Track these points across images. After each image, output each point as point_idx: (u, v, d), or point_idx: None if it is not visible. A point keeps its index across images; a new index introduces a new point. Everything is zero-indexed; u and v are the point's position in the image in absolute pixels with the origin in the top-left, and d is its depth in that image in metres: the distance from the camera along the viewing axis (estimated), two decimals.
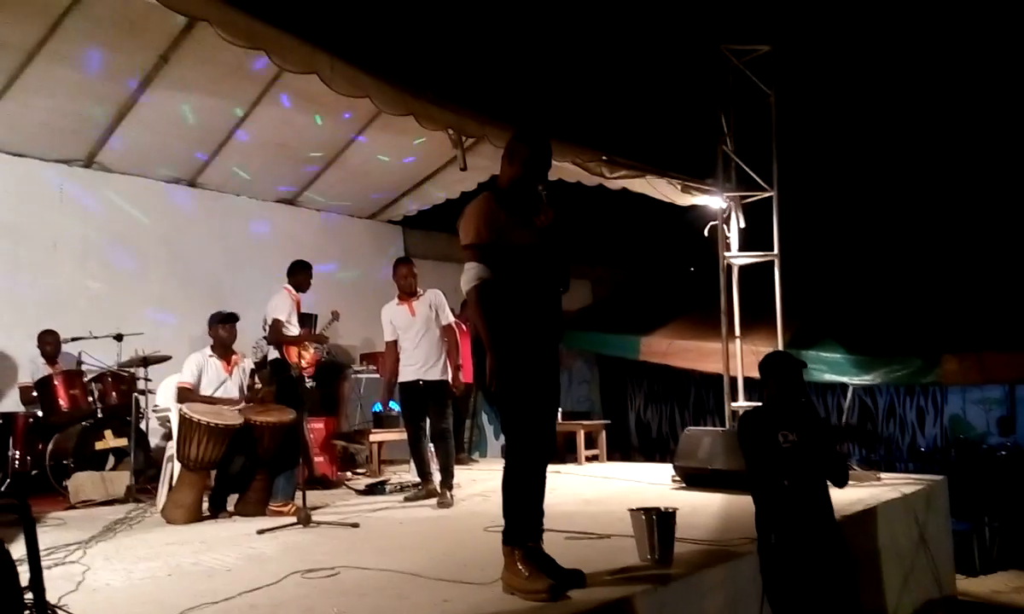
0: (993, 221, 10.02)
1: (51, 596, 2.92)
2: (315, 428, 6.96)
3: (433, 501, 5.65)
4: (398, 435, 7.98)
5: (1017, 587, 7.07)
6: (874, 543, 5.07)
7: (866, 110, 11.15)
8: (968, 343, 8.17)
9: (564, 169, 6.68)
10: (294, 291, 6.64)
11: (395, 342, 5.95)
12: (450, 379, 5.88)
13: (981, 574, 7.50)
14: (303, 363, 6.28)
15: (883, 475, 6.44)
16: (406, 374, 5.86)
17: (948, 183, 10.81)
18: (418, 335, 5.85)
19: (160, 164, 7.80)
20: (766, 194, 7.34)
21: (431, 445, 5.95)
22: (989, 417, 11.23)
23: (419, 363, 5.80)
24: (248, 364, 5.89)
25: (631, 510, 3.73)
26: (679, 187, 7.43)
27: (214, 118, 7.13)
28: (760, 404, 4.22)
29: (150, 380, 6.42)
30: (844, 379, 8.58)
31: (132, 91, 6.52)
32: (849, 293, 9.68)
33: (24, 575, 2.06)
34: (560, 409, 9.21)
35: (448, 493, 5.62)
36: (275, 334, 6.38)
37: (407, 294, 5.95)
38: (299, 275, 6.74)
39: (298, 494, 5.21)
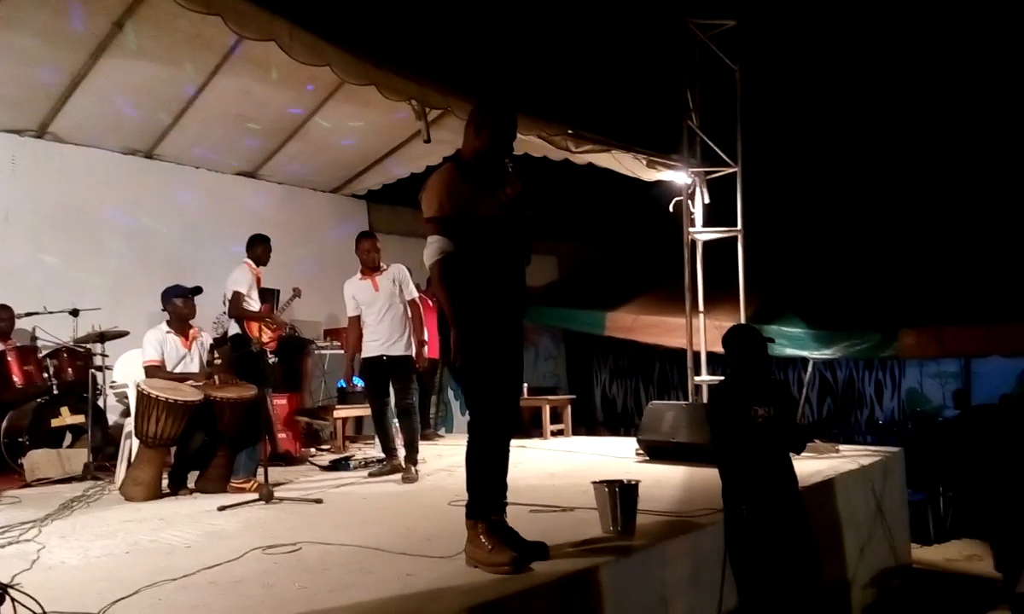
0: (952, 197, 10.19)
1: (4, 575, 2.87)
2: (278, 404, 6.89)
3: (397, 476, 5.64)
4: (362, 411, 7.96)
5: (969, 555, 7.27)
6: (833, 513, 5.17)
7: (830, 86, 11.24)
8: (926, 317, 8.33)
9: (530, 143, 6.64)
10: (254, 265, 6.58)
11: (358, 317, 5.91)
12: (414, 354, 5.84)
13: (936, 543, 7.71)
14: (264, 338, 6.21)
15: (842, 447, 6.56)
16: (369, 349, 5.81)
17: (909, 160, 10.96)
18: (381, 310, 5.80)
19: (116, 135, 7.59)
20: (730, 170, 7.38)
21: (395, 421, 5.92)
22: (945, 390, 11.52)
23: (383, 338, 5.76)
24: (207, 339, 5.79)
25: (594, 483, 3.75)
26: (644, 162, 7.43)
27: (171, 87, 6.94)
28: (725, 378, 4.25)
29: (107, 356, 6.29)
30: (805, 353, 8.72)
31: (86, 59, 6.31)
32: (811, 269, 9.81)
33: None
34: (525, 384, 9.32)
35: (413, 468, 5.60)
36: (235, 308, 6.32)
37: (370, 269, 5.90)
38: (258, 248, 6.67)
39: (260, 470, 5.15)
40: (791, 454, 3.90)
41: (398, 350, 5.76)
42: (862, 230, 10.36)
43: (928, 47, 10.67)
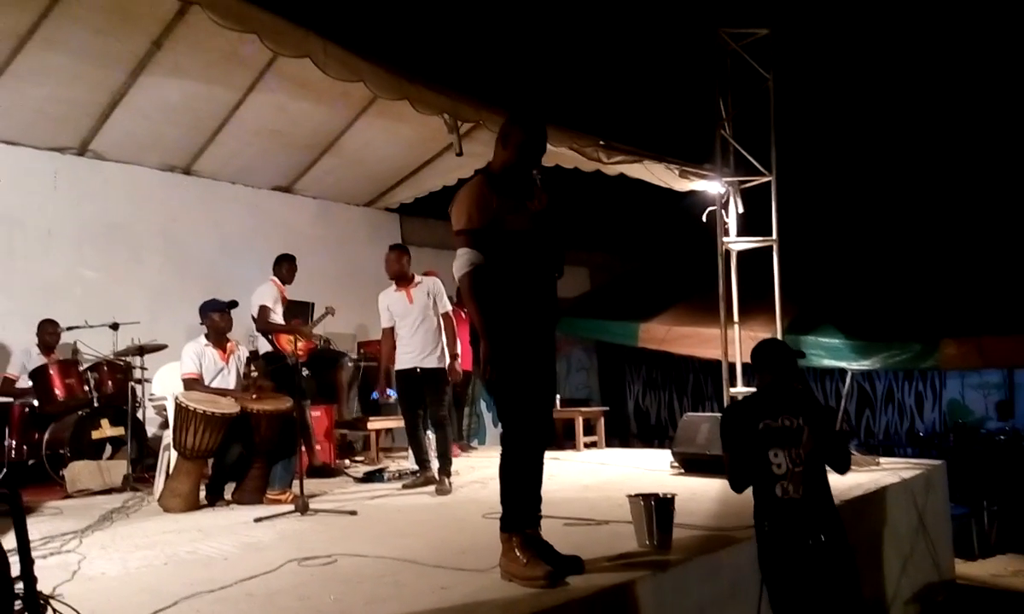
0: (993, 206, 9.97)
1: (46, 585, 2.91)
2: (313, 416, 6.94)
3: (431, 488, 5.63)
4: (396, 423, 7.98)
5: (1016, 570, 7.08)
6: (874, 528, 5.07)
7: (865, 94, 11.09)
8: (967, 327, 8.13)
9: (561, 154, 6.63)
10: (279, 283, 6.67)
11: (392, 329, 5.93)
12: (447, 367, 5.85)
13: (980, 558, 7.52)
14: (297, 348, 6.25)
15: (882, 460, 6.43)
16: (403, 362, 5.83)
17: (948, 168, 10.76)
18: (415, 322, 5.82)
19: (154, 152, 7.75)
20: (765, 179, 7.29)
21: (429, 433, 5.93)
22: (987, 401, 11.24)
23: (416, 351, 5.78)
24: (244, 352, 5.86)
25: (629, 496, 3.71)
26: (677, 172, 7.38)
27: (207, 105, 7.07)
28: (752, 392, 4.16)
29: (146, 369, 6.40)
30: (843, 364, 8.56)
31: (125, 78, 6.46)
32: (848, 278, 9.63)
33: (16, 566, 2.04)
34: (558, 396, 9.28)
35: (446, 480, 5.60)
36: (263, 322, 6.39)
37: (403, 281, 5.92)
38: (283, 266, 6.80)
39: (295, 482, 5.19)
40: (836, 473, 3.79)
41: (431, 363, 5.77)
42: (900, 239, 10.17)
43: (965, 55, 10.49)
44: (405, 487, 5.80)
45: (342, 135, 7.82)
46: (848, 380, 9.28)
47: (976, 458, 8.99)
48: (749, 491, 3.70)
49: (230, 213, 8.44)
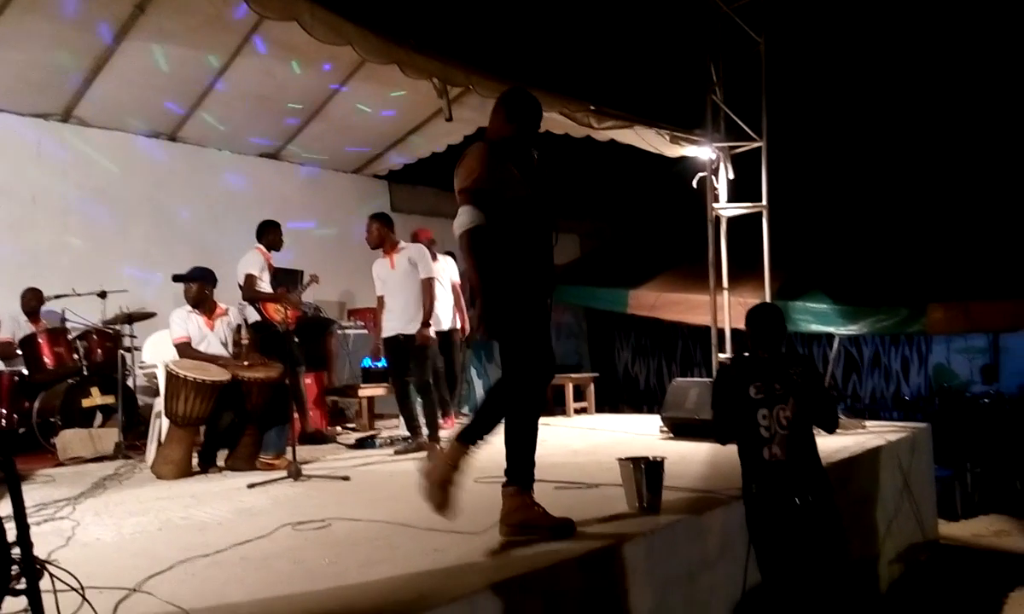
0: (980, 173, 10.01)
1: (41, 551, 2.91)
2: (305, 383, 6.95)
3: (423, 454, 5.66)
4: (386, 390, 8.01)
5: (998, 531, 7.21)
6: (860, 489, 5.14)
7: (857, 59, 11.04)
8: (954, 292, 8.20)
9: (552, 120, 6.59)
10: (265, 251, 6.58)
11: (383, 297, 5.93)
12: (417, 333, 5.81)
13: (963, 519, 7.64)
14: (284, 317, 6.21)
15: (868, 423, 6.51)
16: (387, 328, 5.85)
17: (938, 135, 10.76)
18: (396, 288, 5.83)
19: (138, 118, 7.65)
20: (755, 144, 7.28)
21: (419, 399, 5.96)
22: (973, 366, 11.37)
23: (398, 317, 5.78)
24: (234, 318, 5.84)
25: (620, 460, 3.75)
26: (668, 138, 7.36)
27: (192, 69, 6.97)
28: (737, 356, 4.19)
29: (135, 337, 6.38)
30: (830, 329, 8.62)
31: (107, 42, 6.35)
32: (836, 244, 9.68)
33: (11, 531, 2.05)
34: None
35: (437, 446, 5.63)
36: (249, 290, 6.34)
37: (389, 248, 5.92)
38: (269, 234, 6.68)
39: (288, 448, 5.21)
40: (825, 432, 3.84)
41: (413, 329, 5.78)
42: (888, 204, 10.20)
43: (956, 20, 10.44)
44: (397, 453, 5.83)
45: (330, 100, 7.74)
46: (835, 345, 9.36)
47: (960, 421, 9.11)
48: (735, 453, 3.74)
49: (217, 180, 8.37)
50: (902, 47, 10.84)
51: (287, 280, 7.10)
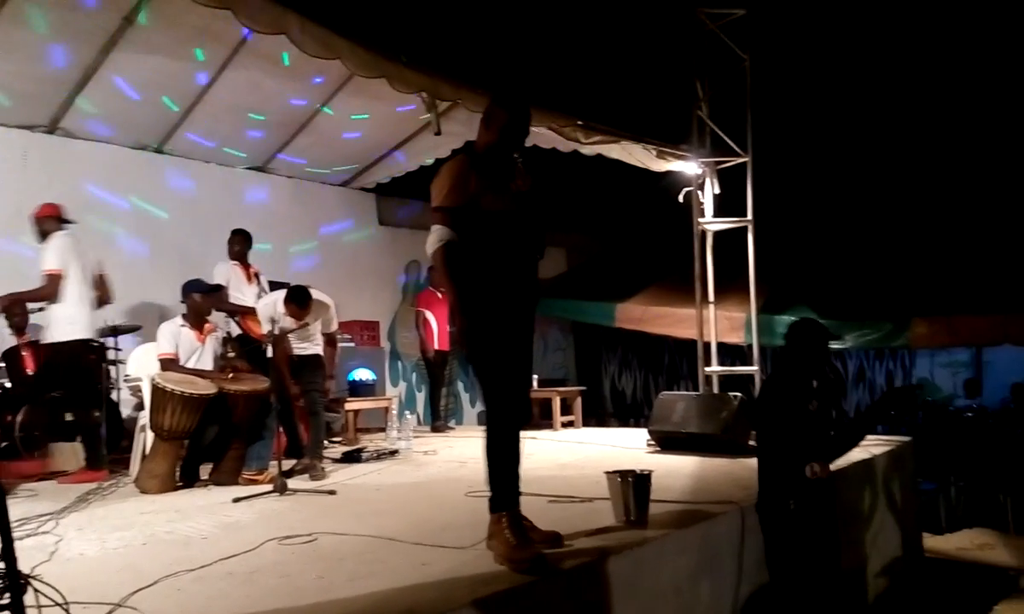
0: (963, 187, 10.13)
1: (24, 566, 2.89)
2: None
3: (411, 467, 5.65)
4: (373, 404, 8.01)
5: (981, 544, 7.26)
6: (845, 503, 5.16)
7: (840, 75, 11.16)
8: (937, 307, 8.30)
9: (539, 135, 6.63)
10: (235, 261, 6.55)
11: None
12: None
13: (947, 532, 7.69)
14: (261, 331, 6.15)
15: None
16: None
17: (921, 149, 10.89)
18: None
19: (126, 129, 7.62)
20: (741, 160, 7.36)
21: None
22: (956, 380, 11.48)
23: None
24: (220, 333, 5.83)
25: (607, 473, 3.76)
26: (654, 153, 7.41)
27: (180, 82, 6.96)
28: (779, 371, 4.23)
29: (120, 349, 6.33)
30: None
31: (96, 53, 6.33)
32: (821, 258, 9.77)
33: None
34: (536, 376, 9.32)
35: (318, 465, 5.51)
36: (216, 302, 6.29)
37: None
38: (233, 244, 6.66)
39: (273, 463, 5.18)
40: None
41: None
42: (873, 219, 10.30)
43: (937, 36, 10.58)
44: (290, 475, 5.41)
45: (318, 113, 7.74)
46: None
47: (944, 435, 9.18)
48: (721, 467, 3.77)
49: (204, 192, 8.34)
50: (884, 63, 10.97)
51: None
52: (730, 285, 7.70)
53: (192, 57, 6.52)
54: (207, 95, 7.15)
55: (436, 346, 8.49)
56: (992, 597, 5.83)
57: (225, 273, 6.43)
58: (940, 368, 11.60)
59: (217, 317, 6.36)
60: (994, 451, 8.66)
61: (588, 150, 7.18)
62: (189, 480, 5.27)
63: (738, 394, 6.31)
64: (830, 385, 3.91)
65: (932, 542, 7.03)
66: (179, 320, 5.60)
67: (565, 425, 8.67)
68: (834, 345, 8.85)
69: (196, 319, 5.61)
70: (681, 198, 7.61)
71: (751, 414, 4.02)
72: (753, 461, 4.10)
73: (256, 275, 6.67)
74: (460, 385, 9.97)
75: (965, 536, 7.59)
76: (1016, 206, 9.46)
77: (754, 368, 7.39)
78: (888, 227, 10.07)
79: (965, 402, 10.97)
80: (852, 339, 8.65)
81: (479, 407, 3.28)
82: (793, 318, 8.39)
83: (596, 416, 11.41)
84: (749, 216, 7.30)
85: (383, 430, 7.46)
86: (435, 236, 3.15)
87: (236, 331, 6.37)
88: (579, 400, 8.99)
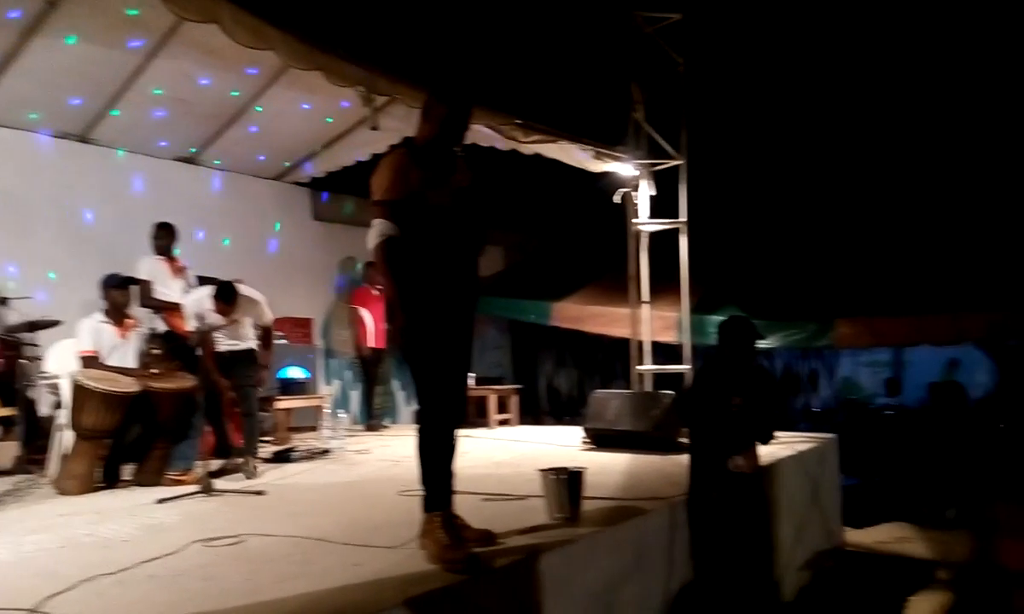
0: (884, 194, 10.52)
1: None
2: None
3: (343, 466, 5.59)
4: (305, 402, 7.88)
5: (899, 537, 7.53)
6: (771, 499, 5.30)
7: (771, 80, 11.46)
8: (860, 308, 8.60)
9: (478, 133, 6.62)
10: (158, 255, 6.36)
11: None
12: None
13: (867, 526, 7.97)
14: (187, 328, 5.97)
15: (779, 434, 6.70)
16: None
17: (846, 155, 11.26)
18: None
19: (49, 118, 7.31)
20: (675, 162, 7.48)
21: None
22: (877, 379, 11.92)
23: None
24: (144, 329, 5.65)
25: (541, 471, 3.78)
26: (592, 154, 7.49)
27: (106, 70, 6.71)
28: (705, 365, 4.35)
29: (38, 346, 6.08)
30: None
31: (16, 39, 6.06)
32: (751, 260, 10.02)
33: None
34: (473, 374, 9.30)
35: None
36: (142, 297, 6.09)
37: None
38: (157, 238, 6.41)
39: (199, 462, 5.05)
40: (761, 444, 4.00)
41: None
42: (802, 222, 10.62)
43: (865, 40, 10.95)
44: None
45: (250, 105, 7.56)
46: None
47: (865, 432, 9.52)
48: (654, 463, 3.84)
49: (130, 184, 8.06)
50: (814, 69, 11.30)
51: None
52: (664, 285, 7.83)
53: (120, 45, 6.30)
54: (135, 84, 6.91)
55: (371, 344, 8.41)
56: (909, 588, 6.06)
57: (149, 268, 6.21)
58: (862, 367, 12.04)
59: (142, 313, 6.16)
60: (913, 448, 9.03)
61: (527, 149, 7.20)
62: (111, 481, 5.10)
63: (671, 392, 6.43)
64: (762, 382, 4.02)
65: (853, 536, 7.26)
66: (100, 316, 5.40)
67: (501, 423, 8.68)
68: (762, 344, 9.10)
69: (117, 314, 5.42)
70: (617, 199, 7.70)
71: (680, 409, 4.11)
72: (684, 457, 4.18)
73: (182, 269, 6.46)
74: (396, 383, 9.89)
75: (884, 530, 7.87)
76: (934, 211, 9.88)
77: (686, 367, 7.54)
78: (816, 230, 10.39)
79: (885, 400, 11.41)
80: (779, 339, 8.90)
81: (415, 405, 3.26)
82: (723, 318, 8.67)
83: (532, 414, 11.46)
84: (683, 218, 7.43)
85: (315, 429, 7.34)
86: (376, 230, 3.12)
87: (162, 327, 6.16)
88: (515, 398, 9.02)
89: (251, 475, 5.27)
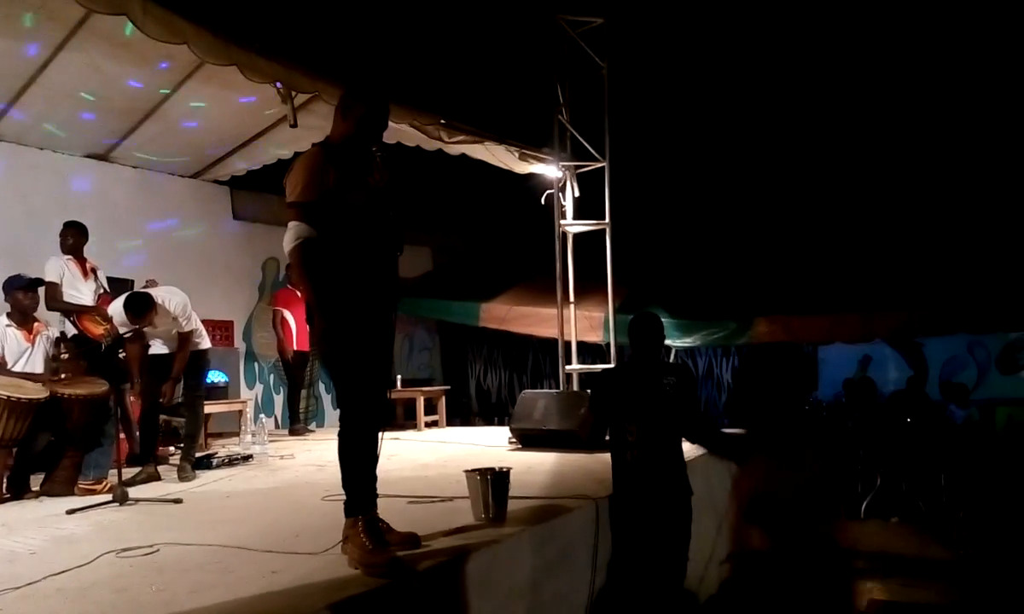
0: (800, 197, 10.89)
1: None
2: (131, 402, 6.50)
3: (264, 471, 5.47)
4: (226, 407, 7.68)
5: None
6: (694, 493, 5.41)
7: (693, 84, 11.72)
8: (777, 307, 8.89)
9: (403, 132, 6.56)
10: (68, 255, 6.09)
11: None
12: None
13: None
14: (98, 331, 5.73)
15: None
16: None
17: (766, 157, 11.60)
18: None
19: None
20: (599, 164, 7.58)
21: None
22: None
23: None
24: (53, 333, 5.40)
25: (466, 472, 3.77)
26: (517, 155, 7.52)
27: (12, 63, 6.39)
28: (617, 365, 4.45)
29: None
30: (668, 342, 9.08)
31: None
32: (674, 261, 10.24)
33: None
34: (400, 376, 9.23)
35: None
36: (50, 301, 5.79)
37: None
38: (65, 237, 6.12)
39: (112, 471, 4.86)
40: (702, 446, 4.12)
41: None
42: (721, 225, 10.91)
43: (781, 44, 11.29)
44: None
45: (166, 101, 7.32)
46: (672, 357, 9.87)
47: (783, 428, 9.82)
48: (579, 461, 3.90)
49: (36, 181, 7.69)
50: (731, 72, 11.60)
51: (120, 290, 6.61)
52: (590, 286, 7.92)
53: (22, 35, 6.00)
54: (40, 77, 6.60)
55: (295, 346, 8.24)
56: (831, 579, 6.28)
57: (58, 268, 5.91)
58: None
59: (51, 316, 5.89)
60: (826, 441, 9.36)
61: (452, 150, 7.19)
62: (17, 491, 4.86)
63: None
64: (679, 376, 4.10)
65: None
66: (3, 320, 5.15)
67: (429, 425, 8.64)
68: (685, 343, 9.31)
69: (22, 318, 5.18)
70: (543, 200, 7.76)
71: (593, 406, 4.19)
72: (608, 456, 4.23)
73: (94, 270, 6.20)
74: (322, 387, 9.73)
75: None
76: (846, 213, 10.28)
77: (612, 366, 7.64)
78: (736, 231, 10.69)
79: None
80: (701, 337, 9.12)
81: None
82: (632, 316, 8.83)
83: (462, 415, 11.45)
84: (607, 219, 7.54)
85: (237, 434, 7.16)
86: (292, 233, 3.05)
87: (72, 331, 5.90)
88: (443, 400, 8.99)
89: (188, 478, 5.26)
